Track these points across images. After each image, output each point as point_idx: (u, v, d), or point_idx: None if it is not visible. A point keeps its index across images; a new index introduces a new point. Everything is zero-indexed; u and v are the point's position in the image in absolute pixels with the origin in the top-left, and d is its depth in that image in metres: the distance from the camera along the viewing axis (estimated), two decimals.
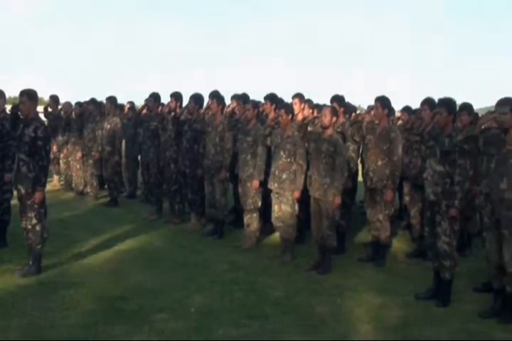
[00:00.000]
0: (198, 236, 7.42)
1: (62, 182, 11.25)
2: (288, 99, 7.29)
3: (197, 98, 7.64)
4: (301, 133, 6.64)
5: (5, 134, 6.29)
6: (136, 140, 9.87)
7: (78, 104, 10.68)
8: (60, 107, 11.15)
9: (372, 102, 6.62)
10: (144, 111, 9.66)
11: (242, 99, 7.90)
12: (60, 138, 10.62)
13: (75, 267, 5.93)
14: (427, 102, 6.51)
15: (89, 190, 10.04)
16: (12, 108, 6.70)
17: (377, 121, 6.39)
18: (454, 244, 5.04)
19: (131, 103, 11.11)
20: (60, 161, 10.94)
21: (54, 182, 11.28)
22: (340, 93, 6.93)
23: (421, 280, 5.59)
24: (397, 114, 8.99)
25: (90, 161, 9.80)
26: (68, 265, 5.98)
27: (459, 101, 5.71)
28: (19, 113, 5.89)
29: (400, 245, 7.14)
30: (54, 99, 11.19)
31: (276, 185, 6.27)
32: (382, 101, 6.26)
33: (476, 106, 7.18)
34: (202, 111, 7.71)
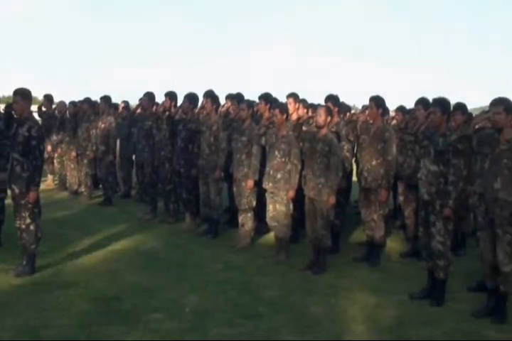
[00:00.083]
0: (192, 236, 7.42)
1: (56, 182, 11.22)
2: (282, 99, 7.31)
3: (191, 97, 7.63)
4: (295, 132, 6.65)
5: None
6: (131, 139, 9.87)
7: (72, 103, 10.66)
8: (54, 106, 11.13)
9: (366, 102, 6.64)
10: (139, 110, 9.68)
11: (236, 98, 7.91)
12: (54, 137, 10.59)
13: (69, 267, 5.92)
14: (421, 102, 6.53)
15: (83, 190, 10.02)
16: (6, 107, 6.69)
17: (371, 121, 6.40)
18: (448, 244, 5.05)
19: (126, 102, 11.10)
20: (55, 161, 10.92)
21: (48, 182, 11.25)
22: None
23: (415, 279, 5.60)
24: (392, 114, 9.01)
25: (84, 161, 9.78)
26: (62, 265, 5.97)
27: (452, 101, 5.72)
28: (13, 112, 5.87)
29: (394, 245, 7.14)
30: (48, 98, 11.15)
31: (270, 184, 6.27)
32: (377, 101, 6.26)
33: (470, 106, 7.21)
34: (196, 110, 7.69)
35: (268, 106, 6.97)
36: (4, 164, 6.01)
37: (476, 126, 5.55)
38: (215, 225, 7.39)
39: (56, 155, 10.77)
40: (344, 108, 8.04)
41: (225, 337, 4.26)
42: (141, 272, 5.82)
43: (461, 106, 6.46)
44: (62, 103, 10.97)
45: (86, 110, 9.92)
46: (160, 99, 8.42)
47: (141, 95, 9.01)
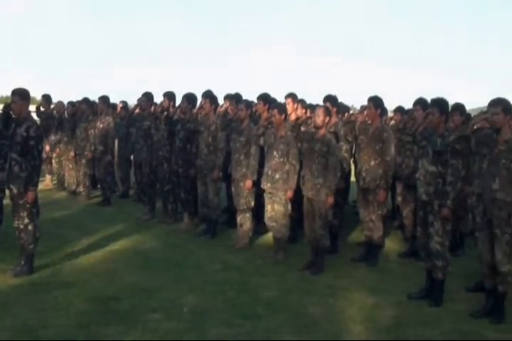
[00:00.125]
0: (190, 236, 7.41)
1: (54, 182, 11.22)
2: (281, 99, 7.31)
3: (190, 97, 7.63)
4: (294, 133, 6.65)
5: None
6: (129, 139, 9.86)
7: (71, 103, 10.66)
8: (52, 106, 11.13)
9: (365, 102, 6.64)
10: (137, 110, 9.66)
11: (235, 98, 7.90)
12: (52, 137, 10.59)
13: (68, 267, 5.92)
14: (420, 102, 6.54)
15: (81, 190, 10.01)
16: (4, 107, 6.66)
17: (370, 121, 6.41)
18: (447, 244, 5.06)
19: (124, 102, 11.09)
20: (53, 161, 10.92)
21: (46, 182, 11.25)
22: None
23: (413, 280, 5.61)
24: (390, 114, 9.02)
25: (83, 161, 9.78)
26: (61, 265, 5.97)
27: (451, 102, 5.72)
28: (11, 112, 5.86)
29: (392, 245, 7.15)
30: (46, 98, 11.16)
31: (269, 184, 6.27)
32: (375, 101, 6.27)
33: (469, 107, 7.21)
34: (195, 110, 7.70)
35: (266, 106, 6.96)
36: (2, 164, 6.01)
37: (475, 127, 5.55)
38: (213, 225, 7.39)
39: (54, 155, 10.77)
40: (342, 108, 8.03)
41: (223, 337, 4.25)
42: (140, 272, 5.81)
43: (459, 107, 6.47)
44: (60, 103, 10.97)
45: (84, 110, 9.92)
46: (158, 99, 8.43)
47: (139, 95, 9.03)
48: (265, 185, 6.32)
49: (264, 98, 7.08)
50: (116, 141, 10.13)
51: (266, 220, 6.46)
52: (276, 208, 6.29)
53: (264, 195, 6.43)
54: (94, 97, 10.24)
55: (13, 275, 5.50)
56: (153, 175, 8.37)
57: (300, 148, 6.27)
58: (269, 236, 7.01)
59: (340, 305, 5.04)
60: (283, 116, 6.27)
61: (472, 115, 7.40)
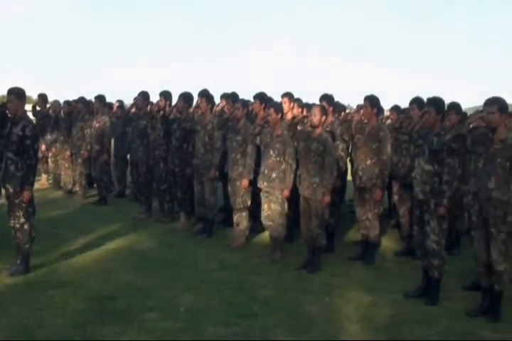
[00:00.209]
0: (187, 235, 7.41)
1: (50, 181, 11.20)
2: (278, 98, 7.31)
3: (186, 97, 7.62)
4: (290, 132, 6.65)
5: None
6: (125, 139, 9.87)
7: (67, 102, 10.63)
8: (48, 106, 11.10)
9: (361, 101, 6.64)
10: (133, 109, 9.66)
11: (231, 98, 7.91)
12: (48, 136, 10.57)
13: (64, 266, 5.91)
14: (416, 101, 6.53)
15: (77, 189, 10.01)
16: (0, 107, 6.65)
17: (366, 120, 6.41)
18: (443, 243, 5.06)
19: (120, 101, 11.08)
20: (49, 160, 10.91)
21: (42, 181, 11.23)
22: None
23: (410, 278, 5.62)
24: (386, 113, 9.02)
25: (79, 160, 9.77)
26: (57, 264, 5.96)
27: (446, 101, 5.73)
28: (7, 111, 5.85)
29: (389, 244, 7.16)
30: (42, 97, 11.14)
31: (265, 184, 6.27)
32: (372, 101, 6.27)
33: (465, 106, 7.22)
34: (191, 110, 7.69)
35: (263, 105, 6.97)
36: None
37: (470, 126, 5.57)
38: (209, 224, 7.39)
39: (50, 154, 10.76)
40: (339, 107, 8.05)
41: (219, 337, 4.25)
42: (136, 271, 5.81)
43: (455, 106, 6.47)
44: (56, 102, 10.94)
45: (80, 109, 9.91)
46: (155, 98, 8.42)
47: (135, 94, 9.01)
48: (262, 184, 6.32)
49: (261, 97, 7.08)
50: (113, 140, 10.11)
51: (262, 219, 6.46)
52: (272, 207, 6.29)
53: (261, 194, 6.43)
54: (90, 97, 10.25)
55: (9, 274, 5.48)
56: (149, 175, 8.36)
57: (296, 147, 6.27)
58: (265, 235, 7.02)
59: (336, 303, 5.04)
60: (279, 115, 6.27)
61: (468, 114, 7.43)
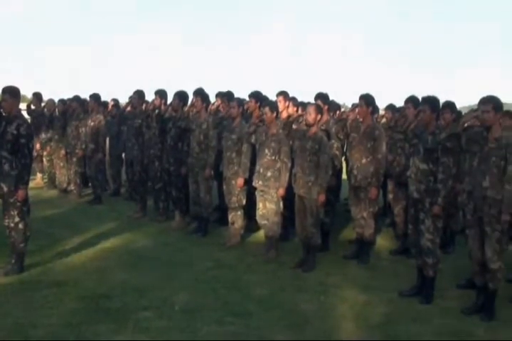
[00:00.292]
0: (182, 234, 7.41)
1: (45, 180, 11.17)
2: (272, 97, 7.31)
3: (181, 95, 7.61)
4: (285, 131, 6.65)
5: None
6: (120, 137, 9.86)
7: (61, 101, 10.59)
8: (43, 105, 11.07)
9: (356, 100, 6.64)
10: (128, 108, 9.65)
11: (226, 96, 7.90)
12: (43, 135, 10.55)
13: (59, 265, 5.90)
14: (411, 100, 6.54)
15: (72, 188, 10.00)
16: None
17: (361, 119, 6.41)
18: (437, 241, 5.07)
19: (115, 100, 11.05)
20: (44, 159, 10.88)
21: (37, 180, 11.20)
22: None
23: (405, 277, 5.63)
24: (381, 112, 9.03)
25: (74, 159, 9.76)
26: (51, 263, 5.94)
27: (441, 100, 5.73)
28: (1, 110, 5.83)
29: (383, 242, 7.17)
30: (37, 96, 11.10)
31: (260, 182, 6.27)
32: (367, 99, 6.27)
33: (459, 105, 7.23)
34: (186, 108, 7.68)
35: (258, 104, 6.96)
36: None
37: (465, 125, 5.56)
38: (204, 223, 7.38)
39: (45, 153, 10.73)
40: (334, 106, 8.05)
41: (214, 336, 4.25)
42: (131, 270, 5.80)
43: (450, 105, 6.48)
44: (51, 101, 10.92)
45: (75, 108, 9.88)
46: (150, 97, 8.41)
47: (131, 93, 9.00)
48: (257, 183, 6.32)
49: (256, 96, 7.08)
50: (108, 139, 10.10)
51: (257, 218, 6.46)
52: (267, 206, 6.29)
53: (256, 192, 6.43)
54: (85, 95, 10.22)
55: (4, 274, 5.47)
56: (144, 173, 8.35)
57: (292, 146, 6.28)
58: (260, 234, 7.02)
59: (331, 302, 5.05)
60: (274, 114, 6.27)
61: (463, 113, 7.43)
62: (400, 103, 7.49)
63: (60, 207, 9.09)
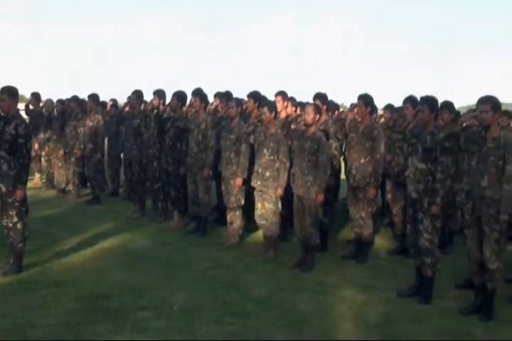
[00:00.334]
0: (181, 234, 7.40)
1: (44, 180, 11.14)
2: (271, 97, 7.31)
3: (180, 95, 7.61)
4: (284, 131, 6.65)
5: None
6: (119, 137, 9.86)
7: (60, 101, 10.59)
8: (41, 105, 11.07)
9: (355, 100, 6.64)
10: (127, 108, 9.64)
11: (225, 96, 7.90)
12: (41, 135, 10.54)
13: (57, 265, 5.89)
14: (410, 100, 6.53)
15: (71, 188, 9.99)
16: None
17: (359, 119, 6.41)
18: (436, 241, 5.07)
19: (114, 100, 11.06)
20: (42, 159, 10.86)
21: (36, 180, 11.19)
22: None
23: (403, 277, 5.63)
24: (380, 112, 9.04)
25: (72, 159, 9.75)
26: (50, 263, 5.94)
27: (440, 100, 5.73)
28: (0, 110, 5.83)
29: (382, 242, 7.17)
30: (35, 96, 11.10)
31: (259, 182, 6.27)
32: (365, 99, 6.27)
33: (458, 105, 7.24)
34: (185, 108, 7.68)
35: (257, 104, 6.97)
36: None
37: (464, 124, 5.57)
38: (203, 223, 7.38)
39: (44, 153, 10.72)
40: (332, 106, 8.05)
41: (213, 336, 4.25)
42: (129, 270, 5.80)
43: (448, 105, 6.49)
44: (49, 101, 10.91)
45: (73, 108, 9.88)
46: (149, 97, 8.41)
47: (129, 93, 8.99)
48: (255, 183, 6.32)
49: (255, 96, 7.08)
50: (106, 139, 10.09)
51: (256, 218, 6.46)
52: (266, 206, 6.29)
53: (255, 192, 6.43)
54: (83, 95, 10.22)
55: (2, 274, 5.46)
56: (143, 174, 8.35)
57: (290, 146, 6.27)
58: (259, 234, 7.02)
59: (330, 302, 5.05)
60: (273, 114, 6.27)
61: (461, 113, 7.44)
62: (398, 103, 7.49)
63: (59, 207, 9.08)
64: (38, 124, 10.58)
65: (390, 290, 5.33)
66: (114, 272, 5.72)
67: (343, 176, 7.17)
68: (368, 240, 6.46)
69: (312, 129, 5.91)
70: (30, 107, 11.11)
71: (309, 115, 5.85)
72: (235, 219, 6.89)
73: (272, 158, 6.18)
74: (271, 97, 7.32)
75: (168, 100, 7.90)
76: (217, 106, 8.13)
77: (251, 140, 6.75)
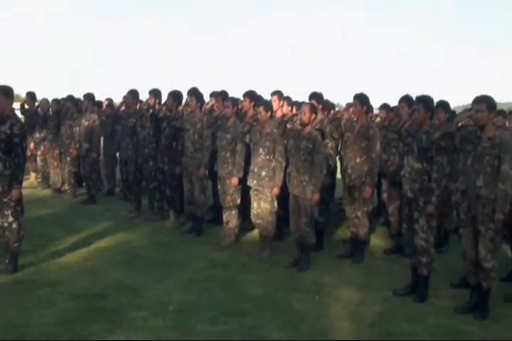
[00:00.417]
0: (176, 234, 7.40)
1: (39, 180, 11.11)
2: (267, 97, 7.31)
3: (175, 95, 7.61)
4: (280, 130, 6.66)
5: None
6: (115, 137, 9.84)
7: (55, 100, 10.57)
8: (37, 104, 11.04)
9: (350, 100, 6.65)
10: (123, 108, 9.62)
11: (221, 96, 7.89)
12: (37, 135, 10.51)
13: (53, 265, 5.88)
14: (405, 100, 6.54)
15: (66, 188, 9.98)
16: None
17: (355, 119, 6.42)
18: (431, 241, 5.09)
19: (110, 100, 11.03)
20: (38, 158, 10.83)
21: (31, 180, 11.16)
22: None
23: (399, 276, 5.63)
24: (376, 112, 9.05)
25: (68, 158, 9.74)
26: (45, 263, 5.93)
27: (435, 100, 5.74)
28: None
29: (378, 242, 7.18)
30: (31, 95, 11.06)
31: (255, 182, 6.27)
32: (361, 99, 6.28)
33: (453, 105, 7.25)
34: (180, 108, 7.67)
35: (252, 103, 6.97)
36: None
37: (459, 124, 5.58)
38: (199, 223, 7.38)
39: (39, 152, 10.69)
40: (328, 105, 8.05)
41: (209, 335, 4.24)
42: (125, 270, 5.79)
43: (443, 104, 6.49)
44: (45, 100, 10.88)
45: (69, 108, 9.87)
46: (144, 96, 8.40)
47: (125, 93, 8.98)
48: (251, 183, 6.32)
49: (250, 95, 7.08)
50: (102, 139, 10.08)
51: (252, 217, 6.46)
52: (262, 205, 6.29)
53: (250, 192, 6.43)
54: (79, 95, 10.20)
55: None
56: (138, 173, 8.34)
57: (286, 146, 6.28)
58: (255, 233, 7.02)
59: (326, 301, 5.05)
60: (269, 114, 6.27)
61: (457, 112, 7.45)
62: (394, 102, 7.50)
63: (54, 206, 9.06)
64: (34, 124, 10.55)
65: (385, 290, 5.34)
66: (110, 272, 5.72)
67: (338, 175, 7.17)
68: (364, 239, 6.47)
69: (308, 129, 5.91)
70: (26, 107, 11.08)
71: (305, 114, 5.85)
72: (230, 218, 6.89)
73: (267, 157, 6.19)
74: (267, 97, 7.32)
75: (163, 99, 7.90)
76: (213, 106, 8.13)
77: (247, 139, 6.75)
